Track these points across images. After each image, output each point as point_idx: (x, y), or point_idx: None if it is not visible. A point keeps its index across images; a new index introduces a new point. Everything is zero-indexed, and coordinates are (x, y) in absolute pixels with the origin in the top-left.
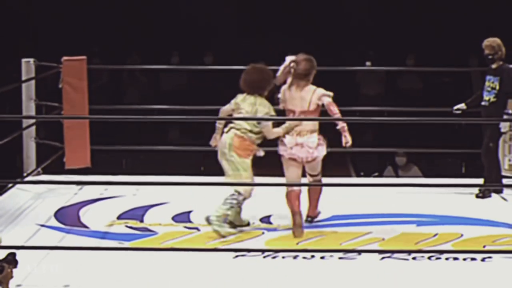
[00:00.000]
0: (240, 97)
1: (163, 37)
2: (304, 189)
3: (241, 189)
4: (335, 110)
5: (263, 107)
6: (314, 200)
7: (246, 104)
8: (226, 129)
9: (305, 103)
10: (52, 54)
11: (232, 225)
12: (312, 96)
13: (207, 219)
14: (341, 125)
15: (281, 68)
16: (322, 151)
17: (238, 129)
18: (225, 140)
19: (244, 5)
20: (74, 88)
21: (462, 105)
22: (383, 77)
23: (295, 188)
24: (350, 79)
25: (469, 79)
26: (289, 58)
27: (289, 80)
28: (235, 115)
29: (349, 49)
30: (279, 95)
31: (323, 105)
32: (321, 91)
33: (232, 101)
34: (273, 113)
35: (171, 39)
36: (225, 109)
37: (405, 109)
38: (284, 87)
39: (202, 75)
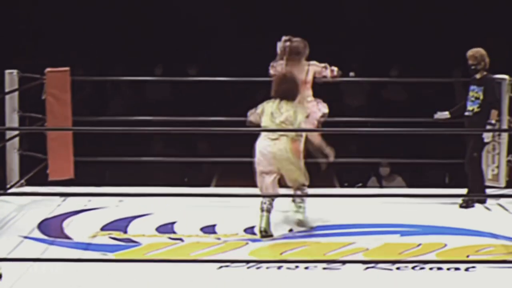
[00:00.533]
0: (273, 104)
1: (147, 49)
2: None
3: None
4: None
5: (301, 112)
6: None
7: (284, 109)
8: (272, 136)
9: (302, 75)
10: (35, 65)
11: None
12: (309, 67)
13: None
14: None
15: (278, 47)
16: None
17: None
18: (282, 147)
19: (229, 16)
20: (57, 99)
21: (445, 113)
22: (367, 88)
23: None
24: (333, 89)
25: (453, 90)
26: (284, 38)
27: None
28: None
29: (333, 59)
30: (271, 69)
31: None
32: (316, 65)
33: (260, 107)
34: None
35: (155, 50)
36: (254, 118)
37: (389, 119)
38: (281, 63)
39: (186, 87)
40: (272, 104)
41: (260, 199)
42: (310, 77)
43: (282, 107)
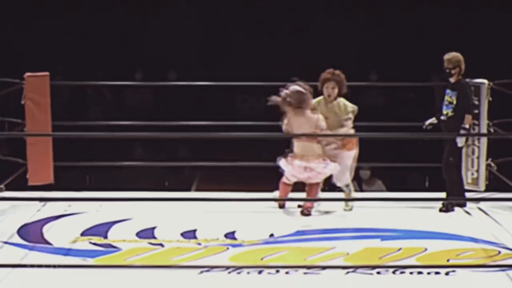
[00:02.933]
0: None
1: (126, 54)
2: None
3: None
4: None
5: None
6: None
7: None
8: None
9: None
10: (14, 70)
11: None
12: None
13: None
14: None
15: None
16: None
17: None
18: None
19: (207, 22)
20: (37, 104)
21: (433, 120)
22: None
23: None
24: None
25: (432, 95)
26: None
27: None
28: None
29: (310, 64)
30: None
31: None
32: (316, 118)
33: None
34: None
35: (135, 55)
36: None
37: (368, 124)
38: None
39: (166, 91)
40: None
41: None
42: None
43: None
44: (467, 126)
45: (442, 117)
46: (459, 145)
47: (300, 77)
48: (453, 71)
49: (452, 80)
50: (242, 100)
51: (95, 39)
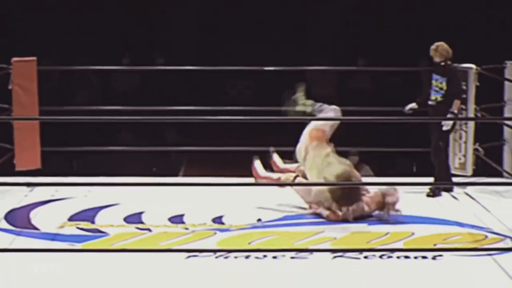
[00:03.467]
0: None
1: (114, 38)
2: None
3: None
4: None
5: None
6: None
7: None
8: None
9: None
10: (0, 55)
11: None
12: None
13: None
14: None
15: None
16: None
17: None
18: None
19: (197, 6)
20: (24, 89)
21: (413, 105)
22: (334, 77)
23: None
24: (300, 79)
25: (419, 79)
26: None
27: None
28: None
29: (299, 49)
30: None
31: None
32: None
33: None
34: None
35: (122, 40)
36: None
37: (356, 108)
38: None
39: (154, 76)
40: None
41: None
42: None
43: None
44: (455, 111)
45: (430, 102)
46: (444, 128)
47: (288, 63)
48: (442, 63)
49: (441, 65)
50: (230, 85)
51: (82, 24)
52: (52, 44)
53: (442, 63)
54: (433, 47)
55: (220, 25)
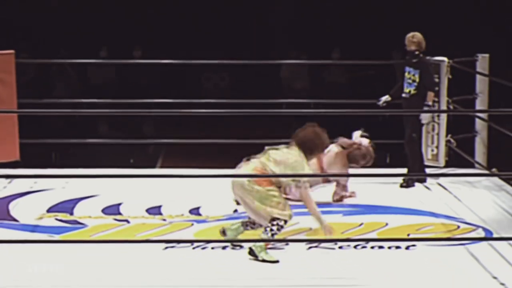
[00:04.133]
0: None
1: (91, 31)
2: None
3: (280, 214)
4: None
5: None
6: None
7: (283, 151)
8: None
9: None
10: None
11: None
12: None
13: (250, 252)
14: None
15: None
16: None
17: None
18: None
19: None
20: (2, 82)
21: (386, 97)
22: (308, 70)
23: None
24: (275, 72)
25: (393, 72)
26: None
27: None
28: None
29: (273, 43)
30: None
31: None
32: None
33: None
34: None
35: (100, 33)
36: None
37: (331, 101)
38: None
39: (130, 69)
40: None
41: None
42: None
43: (290, 149)
44: (430, 103)
45: (404, 95)
46: (424, 121)
47: (264, 56)
48: (416, 52)
49: (414, 59)
50: (206, 78)
51: (60, 17)
52: (30, 37)
53: (416, 52)
54: (409, 35)
55: (199, 19)
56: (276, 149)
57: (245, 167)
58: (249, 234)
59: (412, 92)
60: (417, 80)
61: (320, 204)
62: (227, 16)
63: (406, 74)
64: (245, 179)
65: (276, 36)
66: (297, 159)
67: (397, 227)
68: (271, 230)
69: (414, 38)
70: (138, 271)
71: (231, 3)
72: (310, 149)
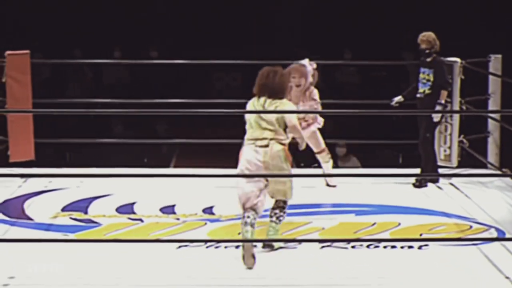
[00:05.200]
0: (257, 102)
1: (105, 32)
2: None
3: (284, 196)
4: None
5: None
6: None
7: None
8: (261, 143)
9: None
10: None
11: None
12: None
13: (268, 245)
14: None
15: None
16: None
17: (279, 140)
18: (276, 155)
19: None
20: (17, 82)
21: (399, 98)
22: (320, 70)
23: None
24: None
25: (405, 73)
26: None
27: None
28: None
29: (284, 43)
30: None
31: None
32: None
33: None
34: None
35: (113, 33)
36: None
37: (344, 101)
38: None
39: (146, 69)
40: (256, 103)
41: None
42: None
43: (269, 106)
44: (442, 102)
45: (418, 95)
46: (435, 120)
47: (276, 57)
48: (432, 50)
49: (428, 58)
50: (217, 78)
51: (75, 17)
52: (45, 37)
53: (427, 51)
54: (421, 34)
55: (211, 20)
56: (260, 118)
57: (278, 151)
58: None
59: (427, 91)
60: (432, 79)
61: (333, 204)
62: (240, 16)
63: (421, 74)
64: (283, 163)
65: (288, 37)
66: (283, 105)
67: (410, 227)
68: (281, 216)
69: (424, 36)
70: (151, 270)
71: (245, 4)
72: (283, 91)
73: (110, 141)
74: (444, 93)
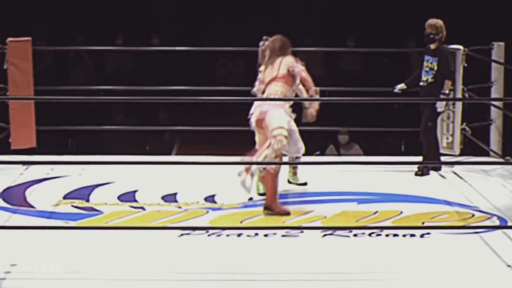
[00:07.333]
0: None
1: (107, 19)
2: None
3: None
4: (307, 78)
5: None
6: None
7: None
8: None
9: (274, 71)
10: None
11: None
12: (280, 63)
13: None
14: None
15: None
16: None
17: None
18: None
19: None
20: (19, 69)
21: (402, 85)
22: (323, 58)
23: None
24: None
25: (408, 60)
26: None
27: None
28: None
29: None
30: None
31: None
32: (289, 59)
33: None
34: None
35: (116, 20)
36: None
37: (346, 89)
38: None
39: (147, 56)
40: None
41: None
42: (281, 74)
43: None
44: (446, 92)
45: (421, 83)
46: (439, 109)
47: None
48: (436, 37)
49: (432, 46)
50: (221, 65)
51: (76, 4)
52: (46, 24)
53: (431, 36)
54: (429, 21)
55: (214, 6)
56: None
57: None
58: None
59: (430, 80)
60: (435, 68)
61: (335, 192)
62: (243, 3)
63: (425, 62)
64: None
65: (291, 24)
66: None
67: (412, 215)
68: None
69: (433, 21)
70: (153, 258)
71: None
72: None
73: (112, 128)
74: (448, 83)
